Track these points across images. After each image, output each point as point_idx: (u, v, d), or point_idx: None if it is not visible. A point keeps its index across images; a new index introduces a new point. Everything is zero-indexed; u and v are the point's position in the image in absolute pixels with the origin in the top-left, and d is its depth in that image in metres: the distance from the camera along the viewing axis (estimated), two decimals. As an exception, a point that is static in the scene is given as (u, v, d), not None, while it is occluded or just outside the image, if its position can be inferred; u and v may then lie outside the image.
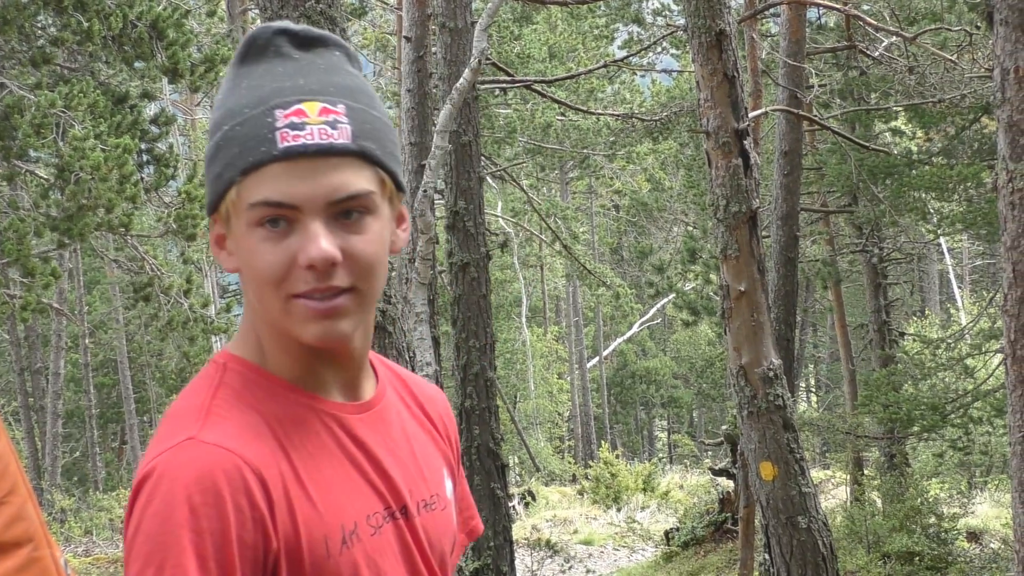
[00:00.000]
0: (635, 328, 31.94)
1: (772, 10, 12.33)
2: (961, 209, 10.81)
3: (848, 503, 13.14)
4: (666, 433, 37.56)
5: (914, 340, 15.89)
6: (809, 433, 13.63)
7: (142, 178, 10.44)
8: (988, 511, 14.15)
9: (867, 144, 11.81)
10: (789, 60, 10.64)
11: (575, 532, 16.51)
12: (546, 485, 22.77)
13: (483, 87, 11.32)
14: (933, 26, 11.10)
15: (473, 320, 9.10)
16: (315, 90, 1.22)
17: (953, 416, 10.19)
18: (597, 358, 32.24)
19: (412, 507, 1.32)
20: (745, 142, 5.89)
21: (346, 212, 1.21)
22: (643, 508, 17.96)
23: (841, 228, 15.76)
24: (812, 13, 13.03)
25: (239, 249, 1.24)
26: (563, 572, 13.96)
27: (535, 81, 12.64)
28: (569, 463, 26.82)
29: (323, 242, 1.19)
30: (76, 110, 9.26)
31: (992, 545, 11.80)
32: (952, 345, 11.72)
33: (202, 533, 1.14)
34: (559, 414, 30.13)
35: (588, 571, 13.87)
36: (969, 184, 10.15)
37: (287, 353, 1.27)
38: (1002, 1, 3.97)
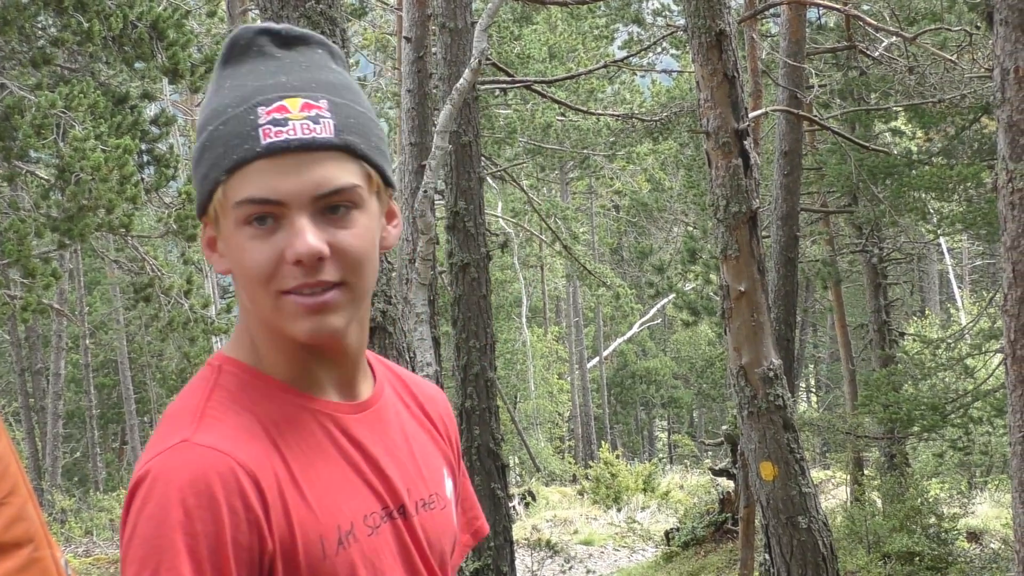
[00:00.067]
0: (635, 328, 31.93)
1: (772, 10, 12.32)
2: (961, 209, 10.81)
3: (848, 503, 13.13)
4: (666, 433, 37.54)
5: (914, 340, 15.89)
6: (809, 433, 13.63)
7: (142, 179, 10.46)
8: (988, 511, 14.14)
9: (867, 144, 11.81)
10: (789, 60, 10.64)
11: (575, 532, 16.50)
12: (546, 485, 22.76)
13: (483, 87, 11.31)
14: (933, 26, 11.10)
15: (473, 320, 9.09)
16: (297, 87, 1.22)
17: (953, 416, 10.19)
18: (597, 358, 32.22)
19: (410, 507, 1.32)
20: (745, 142, 5.89)
21: (333, 207, 1.21)
22: (643, 508, 17.96)
23: (841, 228, 15.76)
24: (812, 13, 13.02)
25: (229, 249, 1.24)
26: (563, 572, 13.95)
27: (535, 81, 12.63)
28: (569, 463, 26.81)
29: (309, 236, 1.18)
30: (76, 111, 9.27)
31: (992, 545, 11.80)
32: (952, 345, 11.72)
33: (196, 535, 1.14)
34: (559, 414, 30.12)
35: (588, 571, 13.87)
36: (969, 184, 10.15)
37: (281, 353, 1.27)
38: (1002, 1, 3.97)
